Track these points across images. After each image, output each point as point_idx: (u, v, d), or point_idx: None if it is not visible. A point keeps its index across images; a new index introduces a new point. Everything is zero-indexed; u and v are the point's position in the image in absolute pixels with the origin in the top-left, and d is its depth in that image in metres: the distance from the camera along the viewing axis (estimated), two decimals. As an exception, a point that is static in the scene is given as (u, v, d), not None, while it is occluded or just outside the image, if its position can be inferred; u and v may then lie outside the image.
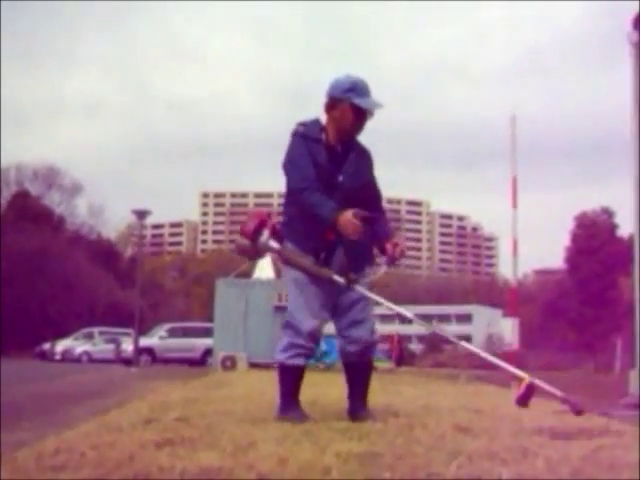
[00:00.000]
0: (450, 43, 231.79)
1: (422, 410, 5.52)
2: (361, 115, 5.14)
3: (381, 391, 8.88)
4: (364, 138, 5.31)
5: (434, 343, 73.12)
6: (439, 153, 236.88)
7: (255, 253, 5.34)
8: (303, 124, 5.19)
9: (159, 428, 4.44)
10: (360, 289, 5.07)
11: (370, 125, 5.22)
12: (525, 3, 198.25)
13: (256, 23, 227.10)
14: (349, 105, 5.09)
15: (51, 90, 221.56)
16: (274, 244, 5.16)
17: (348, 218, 4.84)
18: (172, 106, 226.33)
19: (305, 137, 5.13)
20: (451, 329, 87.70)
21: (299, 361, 5.12)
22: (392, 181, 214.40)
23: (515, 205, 7.17)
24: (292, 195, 5.15)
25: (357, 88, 5.12)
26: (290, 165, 5.13)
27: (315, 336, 5.13)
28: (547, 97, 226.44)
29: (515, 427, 4.48)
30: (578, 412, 4.57)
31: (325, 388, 7.96)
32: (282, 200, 5.40)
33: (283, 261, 5.24)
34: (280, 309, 22.10)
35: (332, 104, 5.15)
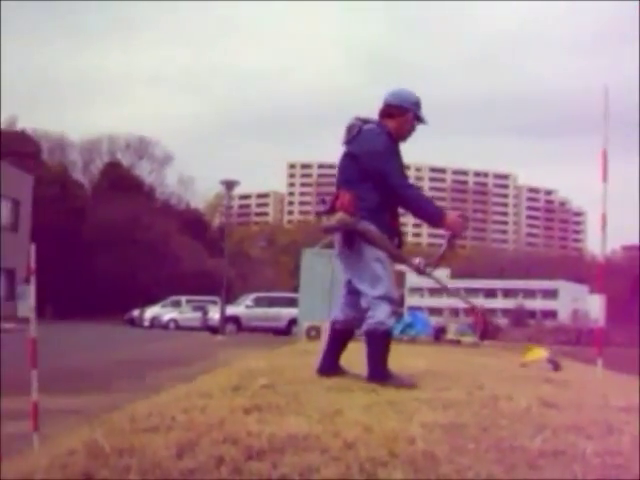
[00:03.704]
0: (539, 11, 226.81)
1: (507, 383, 5.51)
2: (414, 126, 5.90)
3: (465, 363, 8.89)
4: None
5: (519, 318, 72.47)
6: (527, 123, 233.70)
7: (338, 229, 5.64)
8: (368, 121, 5.79)
9: (247, 395, 4.54)
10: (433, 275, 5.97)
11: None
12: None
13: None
14: (413, 116, 5.84)
15: (145, 61, 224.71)
16: (365, 224, 5.52)
17: (456, 218, 5.64)
18: (261, 78, 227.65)
19: (391, 136, 5.73)
20: (536, 304, 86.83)
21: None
22: (478, 151, 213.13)
23: (605, 179, 7.03)
24: (392, 188, 5.55)
25: (419, 104, 5.90)
26: (389, 159, 5.64)
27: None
28: (622, 64, 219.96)
29: (601, 403, 4.45)
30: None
31: (410, 359, 7.99)
32: (362, 184, 5.59)
33: (367, 240, 5.55)
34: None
35: (400, 112, 5.80)
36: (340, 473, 2.76)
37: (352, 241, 5.57)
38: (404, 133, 5.85)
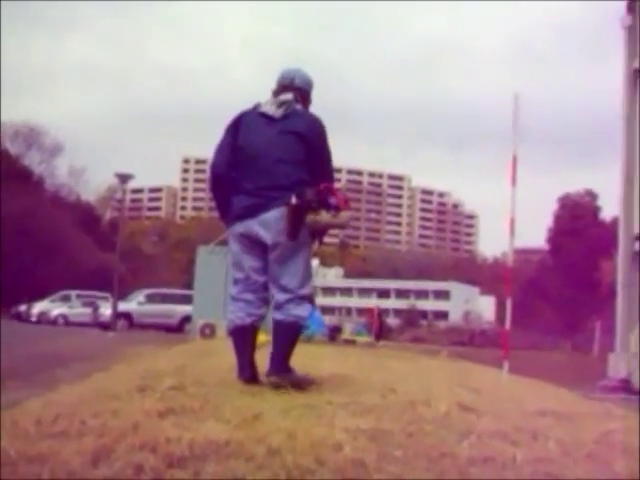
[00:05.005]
0: (448, 24, 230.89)
1: (419, 387, 5.47)
2: None
3: (373, 366, 8.85)
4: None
5: (411, 318, 73.50)
6: (428, 132, 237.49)
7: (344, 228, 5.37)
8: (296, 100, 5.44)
9: (156, 397, 4.34)
10: None
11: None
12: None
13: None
14: None
15: (43, 54, 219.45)
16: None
17: None
18: (163, 73, 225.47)
19: None
20: (428, 305, 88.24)
21: None
22: (382, 158, 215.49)
23: (514, 184, 7.10)
24: (328, 178, 5.29)
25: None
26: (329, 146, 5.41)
27: None
28: (538, 80, 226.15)
29: (518, 408, 4.43)
30: None
31: (314, 361, 7.89)
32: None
33: (320, 235, 5.35)
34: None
35: (309, 98, 5.52)
36: (268, 482, 2.63)
37: (299, 232, 5.09)
38: None
